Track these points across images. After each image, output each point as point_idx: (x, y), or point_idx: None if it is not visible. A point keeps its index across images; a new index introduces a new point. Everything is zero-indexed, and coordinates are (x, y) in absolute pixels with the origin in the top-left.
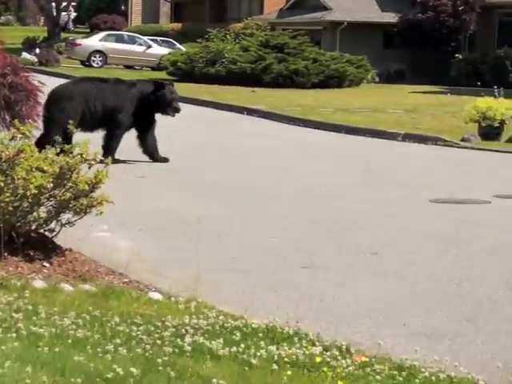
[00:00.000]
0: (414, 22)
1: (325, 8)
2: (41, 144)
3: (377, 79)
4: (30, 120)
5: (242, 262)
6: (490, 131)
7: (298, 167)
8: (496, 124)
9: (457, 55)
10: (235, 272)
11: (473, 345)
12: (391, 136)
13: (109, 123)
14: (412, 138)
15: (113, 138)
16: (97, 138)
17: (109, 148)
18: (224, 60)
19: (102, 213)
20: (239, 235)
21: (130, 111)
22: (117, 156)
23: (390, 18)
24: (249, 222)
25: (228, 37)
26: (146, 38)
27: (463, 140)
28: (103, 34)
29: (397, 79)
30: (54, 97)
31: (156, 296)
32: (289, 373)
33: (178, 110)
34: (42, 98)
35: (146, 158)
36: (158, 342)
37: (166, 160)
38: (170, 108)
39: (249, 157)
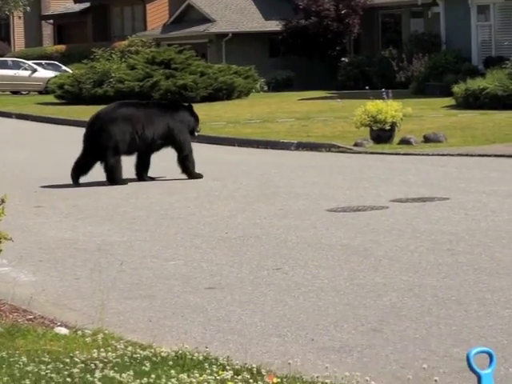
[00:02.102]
0: (297, 29)
1: (208, 20)
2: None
3: (265, 88)
4: None
5: (146, 288)
6: (382, 134)
7: (190, 184)
8: (387, 127)
9: (343, 59)
10: (140, 298)
11: (382, 356)
12: (284, 146)
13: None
14: (305, 147)
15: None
16: None
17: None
18: (111, 80)
19: (0, 251)
20: (141, 260)
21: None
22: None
23: (274, 26)
24: (149, 246)
25: (113, 56)
26: (30, 62)
27: (356, 145)
28: None
29: (285, 87)
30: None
31: (62, 331)
32: None
33: (199, 130)
34: None
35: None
36: (68, 379)
37: (200, 176)
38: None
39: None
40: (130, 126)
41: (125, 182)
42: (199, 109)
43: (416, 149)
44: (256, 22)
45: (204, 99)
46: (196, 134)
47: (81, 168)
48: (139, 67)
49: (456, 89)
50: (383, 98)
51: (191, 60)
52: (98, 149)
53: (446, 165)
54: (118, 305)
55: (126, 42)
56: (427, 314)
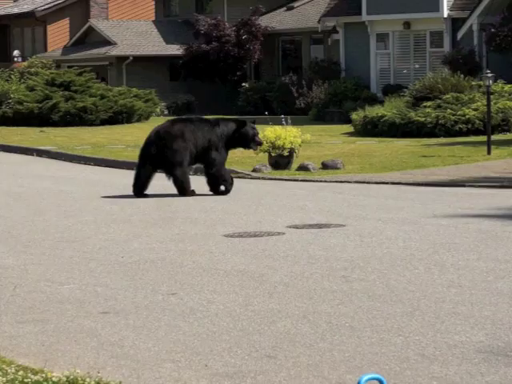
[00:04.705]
0: (198, 53)
1: (109, 43)
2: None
3: (166, 112)
4: None
5: (40, 312)
6: (280, 160)
7: (87, 208)
8: (286, 153)
9: (243, 84)
10: (33, 322)
11: (275, 382)
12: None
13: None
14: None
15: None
16: None
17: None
18: (10, 101)
19: None
20: (35, 284)
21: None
22: None
23: (175, 50)
24: (43, 269)
25: (13, 77)
26: None
27: (254, 171)
28: None
29: (186, 111)
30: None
31: None
32: None
33: (260, 143)
34: None
35: None
36: None
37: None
38: (252, 142)
39: (39, 200)
40: (187, 141)
41: (194, 192)
42: (98, 132)
43: (314, 175)
44: (157, 45)
45: (104, 122)
46: (254, 147)
47: (142, 182)
48: (38, 89)
49: (355, 116)
50: (282, 125)
51: (91, 82)
52: (163, 164)
53: (343, 192)
54: (10, 328)
55: (25, 63)
56: (321, 340)
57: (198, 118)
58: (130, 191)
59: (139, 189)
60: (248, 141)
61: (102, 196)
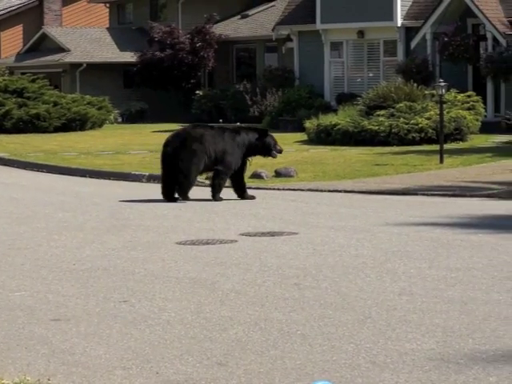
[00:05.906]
0: (152, 61)
1: (63, 50)
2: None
3: (119, 119)
4: None
5: None
6: None
7: (39, 215)
8: None
9: (197, 92)
10: None
11: None
12: (136, 178)
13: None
14: (157, 179)
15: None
16: None
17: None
18: None
19: None
20: None
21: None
22: None
23: (129, 57)
24: None
25: None
26: None
27: (208, 179)
28: None
29: (139, 119)
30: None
31: None
32: None
33: (281, 151)
34: None
35: None
36: None
37: (253, 197)
38: (273, 150)
39: None
40: (203, 146)
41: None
42: (52, 139)
43: (267, 183)
44: (111, 52)
45: (57, 129)
46: (274, 155)
47: (169, 187)
48: None
49: (308, 124)
50: None
51: (44, 89)
52: (176, 167)
53: (296, 200)
54: None
55: None
56: (272, 347)
57: (218, 126)
58: (82, 198)
59: (166, 193)
60: (270, 149)
61: (54, 203)
